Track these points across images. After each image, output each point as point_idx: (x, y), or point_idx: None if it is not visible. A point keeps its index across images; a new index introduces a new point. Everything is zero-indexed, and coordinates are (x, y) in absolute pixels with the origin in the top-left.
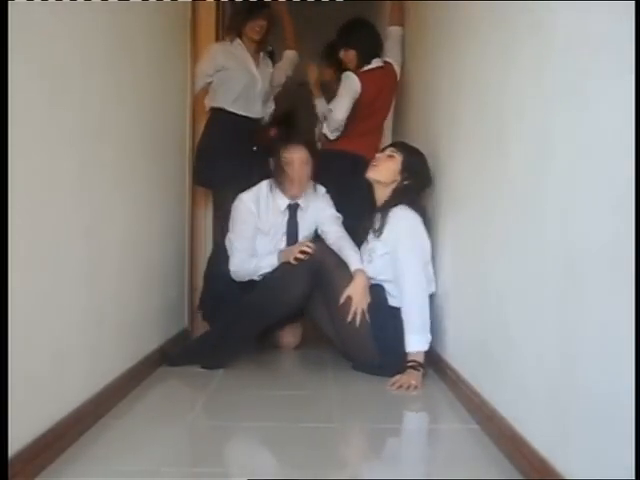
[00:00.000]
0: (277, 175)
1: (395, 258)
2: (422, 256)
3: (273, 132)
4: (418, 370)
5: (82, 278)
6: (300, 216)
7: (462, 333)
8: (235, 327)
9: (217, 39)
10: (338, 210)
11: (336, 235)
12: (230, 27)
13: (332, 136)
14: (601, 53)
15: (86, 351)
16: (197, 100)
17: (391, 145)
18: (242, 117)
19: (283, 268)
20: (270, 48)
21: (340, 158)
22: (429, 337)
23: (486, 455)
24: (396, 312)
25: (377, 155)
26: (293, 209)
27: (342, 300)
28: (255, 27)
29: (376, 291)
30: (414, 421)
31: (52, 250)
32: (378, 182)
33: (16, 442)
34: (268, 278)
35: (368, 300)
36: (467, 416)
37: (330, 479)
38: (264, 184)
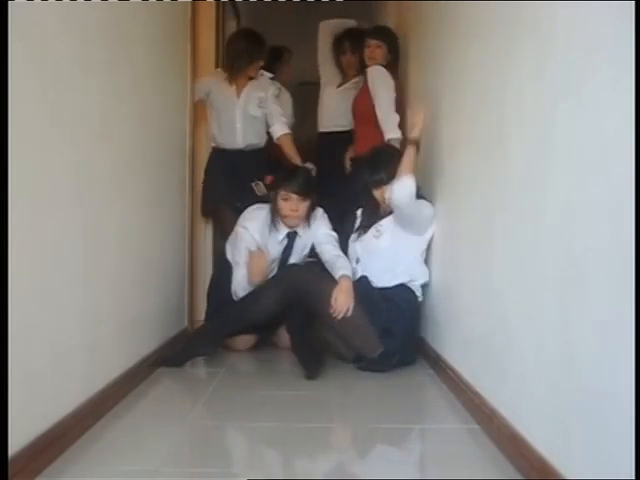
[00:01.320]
0: (275, 209)
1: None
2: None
3: (269, 179)
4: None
5: (81, 278)
6: (296, 243)
7: (462, 333)
8: (219, 323)
9: (217, 39)
10: None
11: (330, 254)
12: (231, 67)
13: (399, 135)
14: (601, 53)
15: (86, 351)
16: (195, 160)
17: (376, 187)
18: (230, 150)
19: (258, 286)
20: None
21: None
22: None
23: (486, 455)
24: (385, 293)
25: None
26: (292, 237)
27: (333, 303)
28: (257, 67)
29: (361, 282)
30: (414, 421)
31: (51, 251)
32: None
33: (16, 442)
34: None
35: (351, 302)
36: (467, 416)
37: (330, 479)
38: (267, 211)
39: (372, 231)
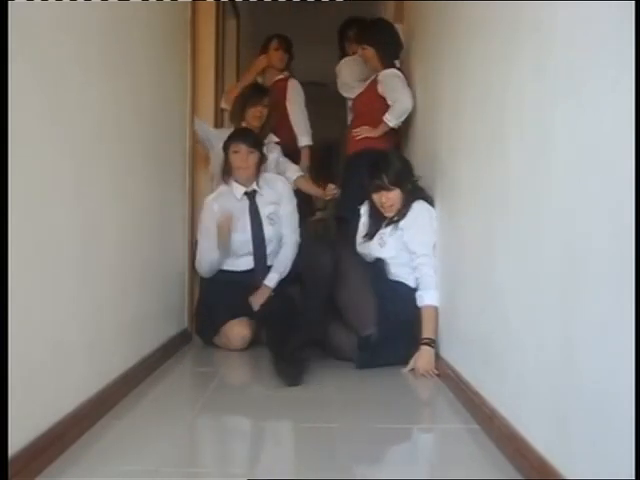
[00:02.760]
0: (227, 167)
1: (410, 243)
2: (432, 243)
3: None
4: (432, 347)
5: (81, 278)
6: (259, 200)
7: (462, 333)
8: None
9: (217, 39)
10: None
11: (286, 240)
12: (233, 114)
13: (397, 124)
14: (601, 53)
15: (86, 351)
16: (195, 160)
17: (377, 190)
18: None
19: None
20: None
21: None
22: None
23: (486, 455)
24: (396, 286)
25: (383, 198)
26: (251, 196)
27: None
28: (255, 113)
29: (378, 264)
30: (414, 421)
31: (51, 251)
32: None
33: (16, 442)
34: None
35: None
36: (467, 416)
37: (330, 479)
38: (220, 182)
39: (377, 238)
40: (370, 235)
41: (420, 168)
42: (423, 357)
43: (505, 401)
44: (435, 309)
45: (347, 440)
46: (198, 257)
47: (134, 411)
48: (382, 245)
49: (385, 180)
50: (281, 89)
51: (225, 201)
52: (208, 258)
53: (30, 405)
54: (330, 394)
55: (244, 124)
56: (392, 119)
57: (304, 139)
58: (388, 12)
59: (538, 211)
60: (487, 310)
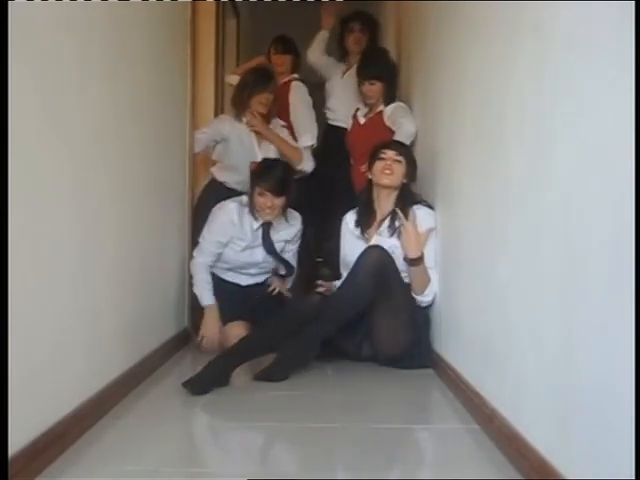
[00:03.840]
0: (251, 201)
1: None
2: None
3: (253, 166)
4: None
5: (81, 278)
6: (273, 234)
7: (462, 333)
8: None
9: (217, 39)
10: None
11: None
12: (236, 102)
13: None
14: (601, 53)
15: (85, 351)
16: (195, 160)
17: (389, 147)
18: (229, 189)
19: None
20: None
21: None
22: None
23: (486, 455)
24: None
25: (383, 157)
26: (266, 228)
27: None
28: (261, 100)
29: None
30: (414, 421)
31: (51, 251)
32: (389, 187)
33: (16, 442)
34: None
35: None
36: (467, 416)
37: (330, 479)
38: (244, 199)
39: (384, 230)
40: (366, 238)
41: (420, 167)
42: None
43: (505, 401)
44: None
45: (347, 440)
46: (196, 260)
47: (134, 411)
48: (391, 234)
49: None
50: (285, 92)
51: (242, 221)
52: (198, 274)
53: (30, 405)
54: (330, 394)
55: (248, 111)
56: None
57: (303, 139)
58: (388, 12)
59: (538, 211)
60: (487, 310)
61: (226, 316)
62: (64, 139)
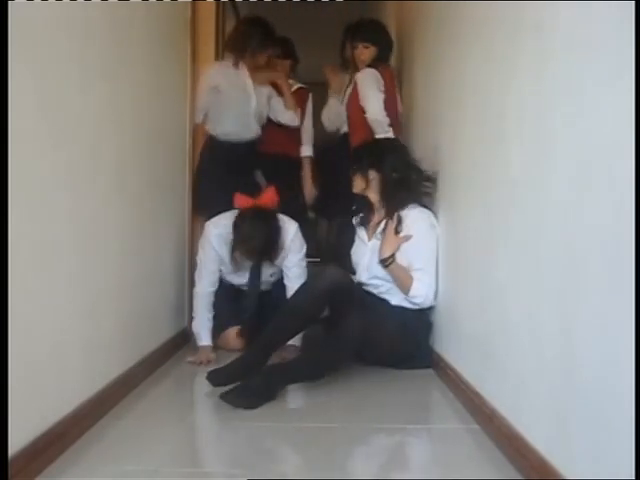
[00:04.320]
0: (232, 256)
1: (411, 254)
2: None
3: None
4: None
5: (81, 278)
6: (263, 270)
7: (462, 333)
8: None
9: (217, 39)
10: None
11: (293, 276)
12: (234, 48)
13: (383, 117)
14: (601, 53)
15: (86, 351)
16: (198, 129)
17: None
18: (234, 144)
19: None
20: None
21: None
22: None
23: (486, 455)
24: (422, 315)
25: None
26: (255, 268)
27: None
28: (265, 55)
29: (380, 306)
30: (414, 421)
31: (51, 251)
32: (362, 194)
33: (16, 442)
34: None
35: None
36: (467, 416)
37: (330, 479)
38: (234, 213)
39: (374, 256)
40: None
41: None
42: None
43: (505, 401)
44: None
45: (347, 440)
46: (197, 290)
47: (134, 411)
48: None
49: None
50: (298, 100)
51: (225, 243)
52: (199, 307)
53: (30, 405)
54: (330, 394)
55: (246, 63)
56: (372, 114)
57: (304, 148)
58: (388, 12)
59: (538, 210)
60: (487, 310)
61: (225, 321)
62: (63, 139)
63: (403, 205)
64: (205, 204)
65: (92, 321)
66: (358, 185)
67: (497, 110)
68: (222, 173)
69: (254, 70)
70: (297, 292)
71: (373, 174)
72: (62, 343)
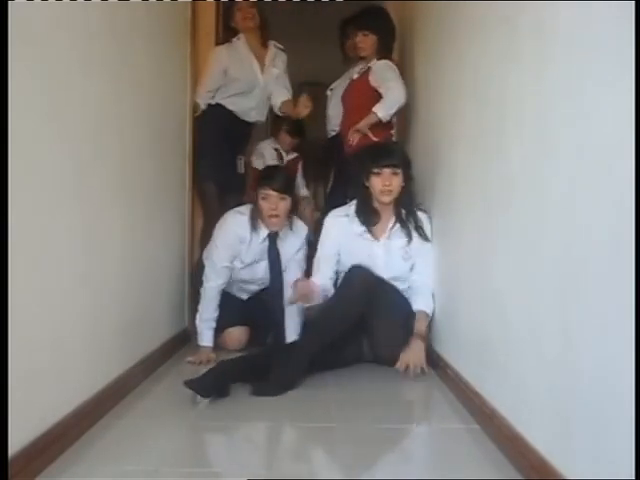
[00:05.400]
0: (257, 210)
1: (418, 256)
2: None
3: (255, 172)
4: (423, 341)
5: (81, 278)
6: (280, 245)
7: (462, 333)
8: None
9: (217, 39)
10: None
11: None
12: (224, 26)
13: (386, 116)
14: (601, 53)
15: (86, 351)
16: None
17: (384, 163)
18: (236, 117)
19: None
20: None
21: None
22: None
23: (486, 455)
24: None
25: (384, 175)
26: (272, 238)
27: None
28: (246, 15)
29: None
30: (414, 421)
31: (51, 251)
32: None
33: (16, 442)
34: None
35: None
36: (467, 416)
37: (330, 479)
38: (250, 209)
39: (400, 252)
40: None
41: (420, 167)
42: (413, 350)
43: (505, 401)
44: (426, 315)
45: (347, 440)
46: (207, 285)
47: (134, 411)
48: (406, 259)
49: (393, 161)
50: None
51: (244, 239)
52: (206, 304)
53: (30, 405)
54: (330, 394)
55: (244, 34)
56: (381, 110)
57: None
58: (389, 11)
59: (538, 210)
60: (487, 310)
61: (225, 321)
62: (65, 138)
63: (412, 206)
64: (210, 174)
65: (92, 321)
66: (397, 186)
67: (497, 110)
68: (219, 143)
69: (250, 34)
70: (332, 300)
71: (402, 177)
72: (62, 343)
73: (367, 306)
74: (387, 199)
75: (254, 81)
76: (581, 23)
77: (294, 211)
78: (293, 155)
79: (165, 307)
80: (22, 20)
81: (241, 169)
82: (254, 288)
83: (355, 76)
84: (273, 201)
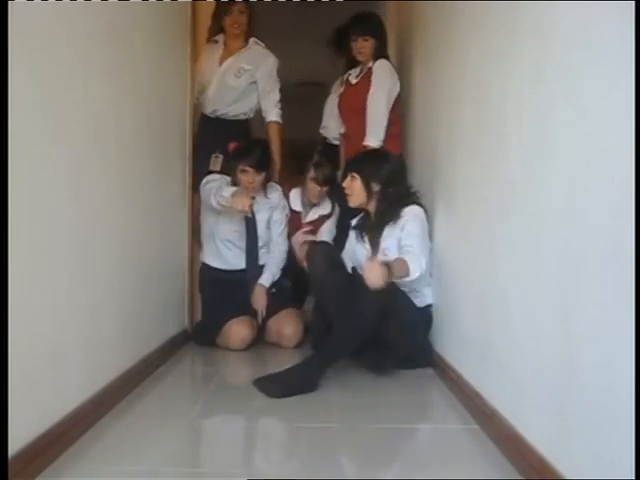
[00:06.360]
0: (236, 182)
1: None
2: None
3: (232, 146)
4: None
5: (81, 278)
6: (256, 206)
7: (463, 333)
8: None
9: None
10: None
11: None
12: (211, 26)
13: (381, 141)
14: (601, 53)
15: (86, 351)
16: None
17: (347, 168)
18: (213, 119)
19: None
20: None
21: None
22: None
23: (486, 455)
24: (423, 313)
25: (344, 184)
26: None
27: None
28: (233, 24)
29: (401, 295)
30: (414, 421)
31: (51, 251)
32: (360, 206)
33: (16, 442)
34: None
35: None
36: (467, 416)
37: (329, 479)
38: (222, 176)
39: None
40: (373, 244)
41: (419, 168)
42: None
43: (505, 401)
44: (403, 260)
45: (347, 440)
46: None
47: (134, 411)
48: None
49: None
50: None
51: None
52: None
53: (30, 405)
54: (330, 394)
55: (224, 35)
56: (372, 141)
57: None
58: (388, 12)
59: (538, 211)
60: (487, 310)
61: (227, 313)
62: (64, 138)
63: (397, 215)
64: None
65: (92, 321)
66: (359, 196)
67: (497, 110)
68: (206, 149)
69: (232, 39)
70: (349, 316)
71: (376, 186)
72: (62, 343)
73: (384, 318)
74: (352, 204)
75: (212, 70)
76: (581, 23)
77: (268, 180)
78: (321, 212)
79: (165, 307)
80: (22, 20)
81: (215, 167)
82: (241, 245)
83: (354, 80)
84: (250, 175)
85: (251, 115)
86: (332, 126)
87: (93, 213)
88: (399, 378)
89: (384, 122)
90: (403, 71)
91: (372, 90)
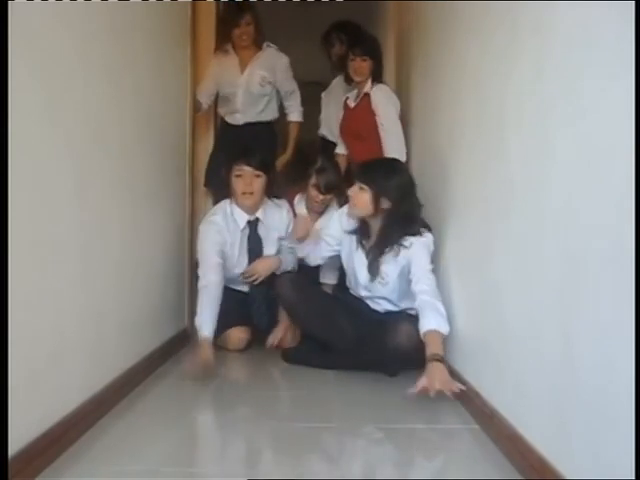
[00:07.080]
0: (231, 191)
1: (411, 266)
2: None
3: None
4: (442, 362)
5: (81, 278)
6: (262, 230)
7: (462, 333)
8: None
9: (217, 39)
10: None
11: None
12: (219, 38)
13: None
14: (601, 53)
15: (86, 351)
16: (197, 119)
17: (355, 179)
18: (232, 125)
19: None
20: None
21: None
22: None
23: (486, 455)
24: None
25: (349, 192)
26: (253, 225)
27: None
28: (242, 35)
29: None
30: (414, 421)
31: (51, 251)
32: (362, 217)
33: (16, 442)
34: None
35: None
36: (467, 416)
37: (329, 479)
38: (224, 202)
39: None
40: (373, 271)
41: (420, 168)
42: (436, 373)
43: (505, 401)
44: (437, 332)
45: (347, 440)
46: (201, 282)
47: (134, 411)
48: (384, 285)
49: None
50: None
51: (224, 230)
52: (208, 299)
53: (30, 405)
54: (330, 394)
55: (231, 45)
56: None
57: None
58: (388, 12)
59: (538, 211)
60: (487, 310)
61: (226, 321)
62: (65, 139)
63: (402, 239)
64: (211, 183)
65: (92, 321)
66: (365, 209)
67: (497, 110)
68: (225, 153)
69: (242, 49)
70: (372, 349)
71: (385, 203)
72: (62, 343)
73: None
74: (353, 212)
75: (234, 82)
76: (581, 23)
77: (270, 192)
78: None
79: (165, 307)
80: (22, 20)
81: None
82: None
83: (352, 104)
84: (247, 177)
85: (277, 115)
86: (328, 124)
87: (94, 213)
88: (399, 378)
89: (402, 139)
90: (403, 71)
91: (381, 120)
